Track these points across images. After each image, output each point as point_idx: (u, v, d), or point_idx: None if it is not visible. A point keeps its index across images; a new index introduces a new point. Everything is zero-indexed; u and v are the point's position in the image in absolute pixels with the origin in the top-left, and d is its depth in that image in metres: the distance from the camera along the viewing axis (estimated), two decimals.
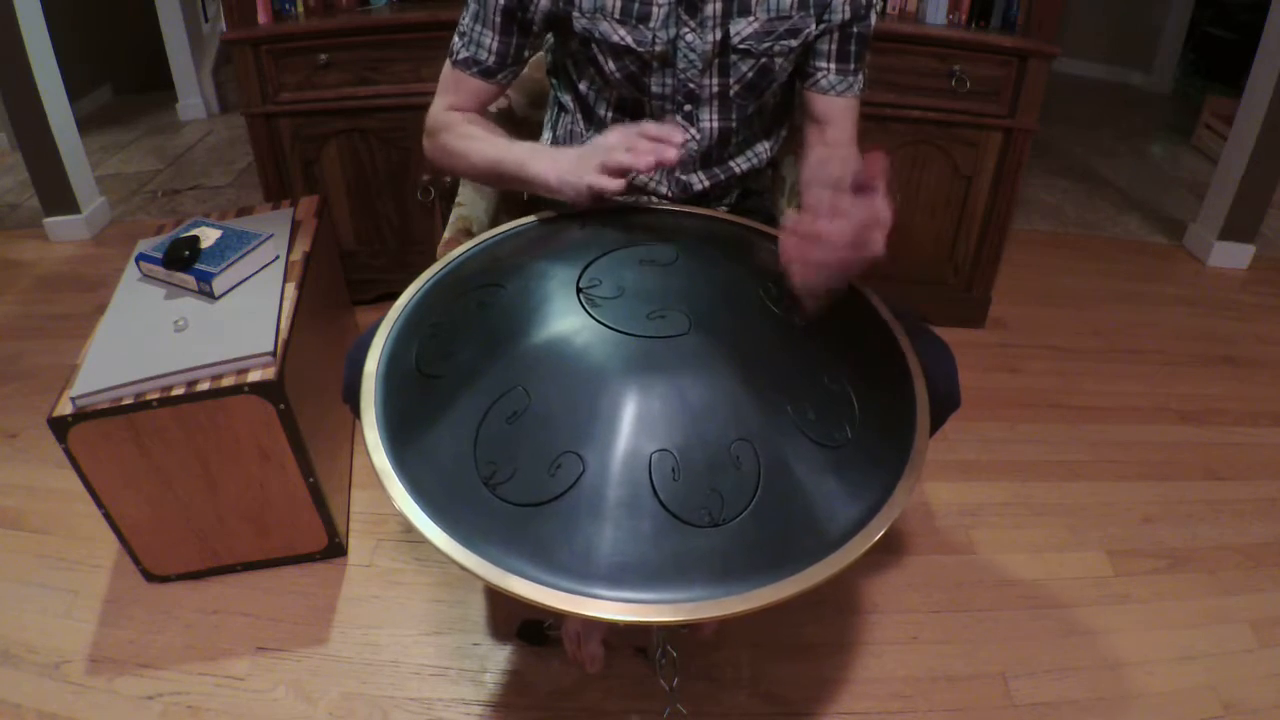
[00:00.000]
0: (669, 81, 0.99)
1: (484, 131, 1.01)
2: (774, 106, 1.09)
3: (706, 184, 1.08)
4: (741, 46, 0.97)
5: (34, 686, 1.22)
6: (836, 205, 0.70)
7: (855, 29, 1.00)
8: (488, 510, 0.64)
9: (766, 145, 1.11)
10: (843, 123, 1.05)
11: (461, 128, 1.01)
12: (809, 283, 0.72)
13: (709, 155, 1.06)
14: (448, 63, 1.03)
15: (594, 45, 0.97)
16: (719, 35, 0.96)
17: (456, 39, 1.01)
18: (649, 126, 0.85)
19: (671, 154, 0.81)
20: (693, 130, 1.03)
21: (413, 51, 1.81)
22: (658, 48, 0.96)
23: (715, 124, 1.03)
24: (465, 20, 1.00)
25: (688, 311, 0.74)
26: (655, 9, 0.94)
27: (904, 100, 1.83)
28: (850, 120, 1.05)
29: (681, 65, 0.98)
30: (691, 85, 0.99)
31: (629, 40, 0.95)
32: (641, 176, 1.07)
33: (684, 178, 1.07)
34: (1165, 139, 3.54)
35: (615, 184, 0.85)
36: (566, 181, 0.87)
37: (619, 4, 0.94)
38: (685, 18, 0.95)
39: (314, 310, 1.49)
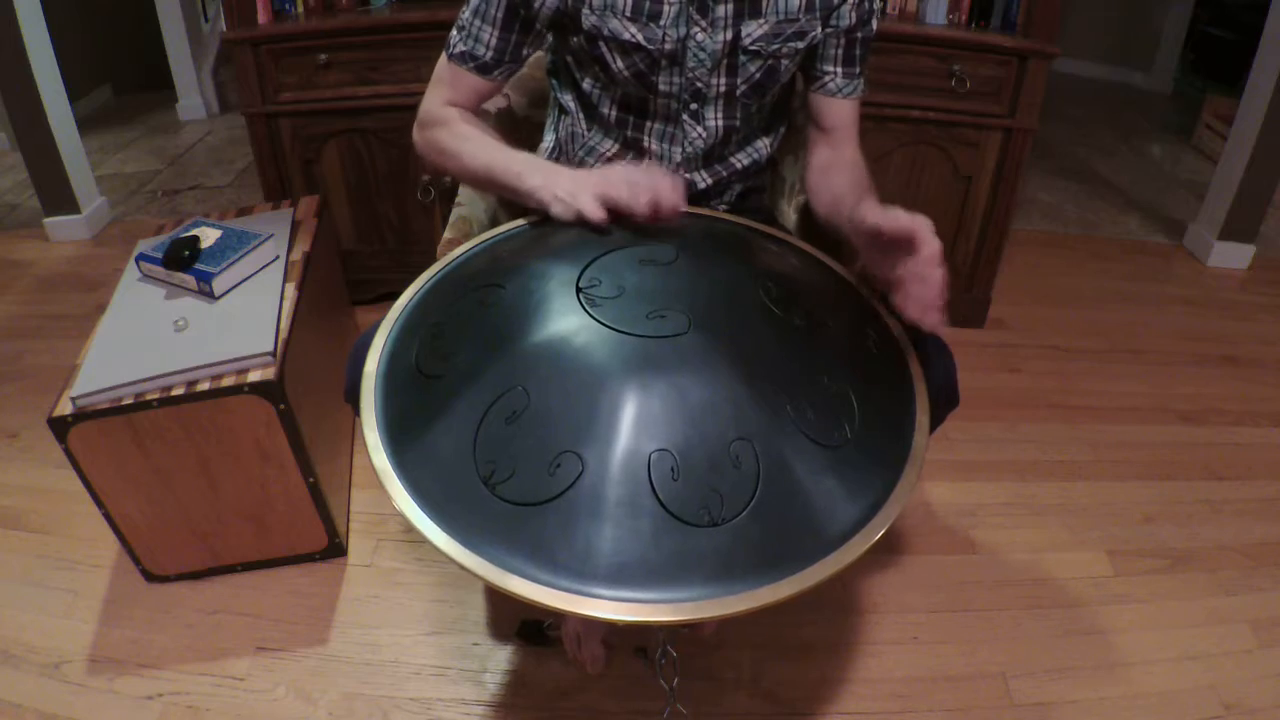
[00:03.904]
0: (676, 80, 0.99)
1: (479, 133, 1.00)
2: (773, 104, 1.09)
3: (709, 181, 1.08)
4: (751, 48, 0.97)
5: (34, 686, 1.22)
6: (918, 270, 0.77)
7: (860, 34, 1.02)
8: (487, 510, 0.64)
9: (766, 141, 1.11)
10: (846, 124, 1.07)
11: (457, 126, 1.00)
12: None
13: (711, 153, 1.06)
14: (443, 56, 1.02)
15: (602, 43, 0.97)
16: (729, 36, 0.96)
17: (454, 32, 1.00)
18: (656, 171, 0.86)
19: (670, 202, 0.84)
20: (699, 129, 1.03)
21: (413, 51, 1.81)
22: (667, 46, 0.96)
23: (720, 122, 1.03)
24: (465, 14, 0.99)
25: (687, 311, 0.74)
26: (666, 7, 0.94)
27: (904, 100, 1.83)
28: (853, 121, 1.08)
29: (691, 64, 0.98)
30: (699, 84, 1.00)
31: (640, 38, 0.95)
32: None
33: (687, 175, 1.07)
34: (1165, 139, 3.54)
35: (601, 215, 0.84)
36: (560, 200, 0.87)
37: (629, 2, 0.94)
38: (696, 17, 0.95)
39: (314, 310, 1.49)
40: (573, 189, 0.86)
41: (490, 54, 0.99)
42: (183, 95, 3.50)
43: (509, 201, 1.24)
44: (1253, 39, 2.32)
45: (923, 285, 0.77)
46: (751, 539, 0.63)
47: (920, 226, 0.77)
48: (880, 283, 0.84)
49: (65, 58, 2.36)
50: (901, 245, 0.78)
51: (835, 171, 1.05)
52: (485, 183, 0.99)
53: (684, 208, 0.86)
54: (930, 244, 0.76)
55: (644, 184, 0.84)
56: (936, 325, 0.77)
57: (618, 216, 0.85)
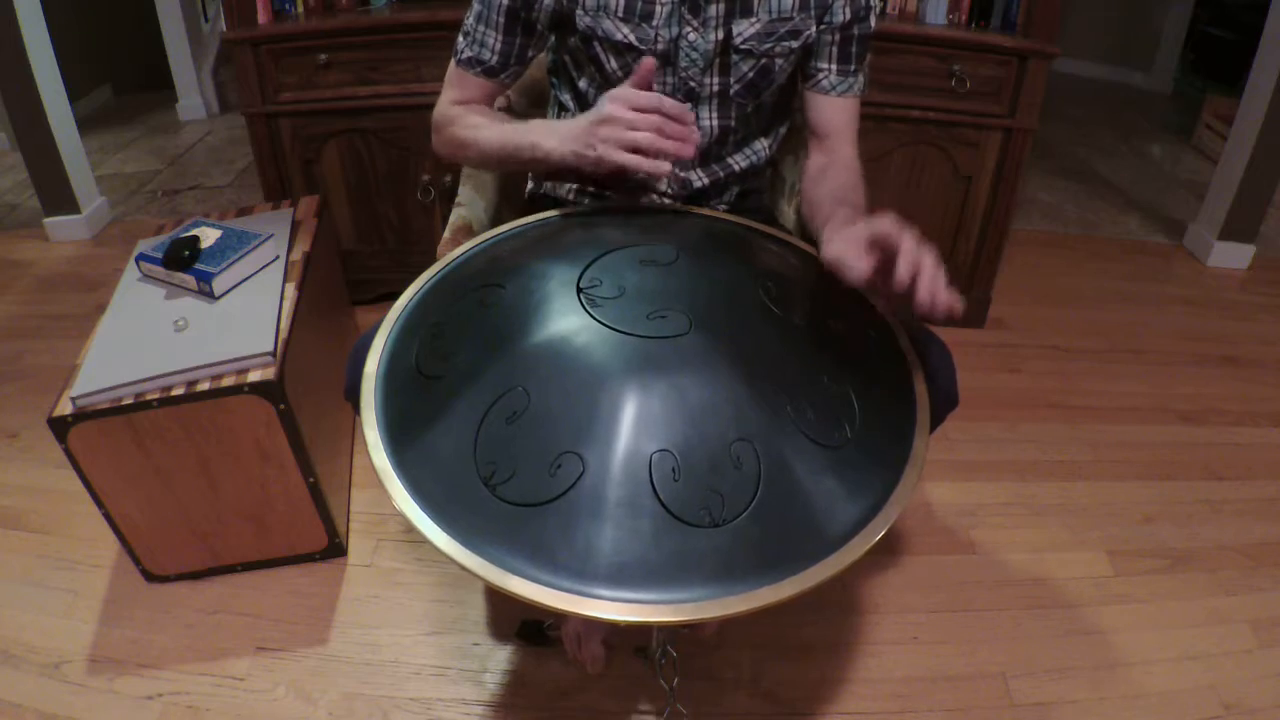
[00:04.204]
0: (670, 80, 1.00)
1: (488, 120, 1.02)
2: (772, 106, 1.09)
3: (706, 181, 1.08)
4: (743, 47, 0.97)
5: (34, 686, 1.22)
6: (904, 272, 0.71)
7: (856, 30, 1.01)
8: (488, 510, 0.64)
9: (765, 143, 1.11)
10: (843, 125, 1.05)
11: (467, 118, 1.02)
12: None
13: (708, 153, 1.07)
14: (452, 61, 1.04)
15: (596, 43, 0.97)
16: (721, 35, 0.96)
17: (461, 38, 1.02)
18: (664, 101, 0.84)
19: (689, 150, 0.84)
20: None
21: (413, 51, 1.81)
22: (660, 46, 0.96)
23: (715, 122, 1.03)
24: (469, 20, 1.01)
25: (688, 311, 0.74)
26: (658, 7, 0.94)
27: (904, 100, 1.83)
28: (850, 121, 1.06)
29: (683, 64, 0.98)
30: (692, 84, 1.00)
31: (632, 38, 0.95)
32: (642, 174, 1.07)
33: (683, 174, 1.07)
34: (1165, 139, 3.54)
35: (629, 159, 0.84)
36: (580, 154, 0.88)
37: (622, 2, 0.94)
38: (688, 17, 0.95)
39: (314, 310, 1.49)
40: (585, 137, 0.87)
41: (496, 58, 1.01)
42: (183, 95, 3.50)
43: (510, 200, 1.25)
44: (1253, 39, 2.32)
45: (920, 278, 0.71)
46: (752, 539, 0.63)
47: (884, 231, 0.73)
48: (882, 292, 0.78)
49: (65, 58, 2.36)
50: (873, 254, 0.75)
51: (828, 175, 1.04)
52: (505, 161, 1.00)
53: (695, 143, 0.85)
54: (905, 242, 0.72)
55: (651, 119, 0.83)
56: (950, 307, 0.70)
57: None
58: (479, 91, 1.04)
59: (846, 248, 0.76)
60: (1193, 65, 4.10)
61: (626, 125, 0.84)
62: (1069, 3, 2.18)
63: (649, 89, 0.87)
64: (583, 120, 0.89)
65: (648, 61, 0.86)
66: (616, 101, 0.85)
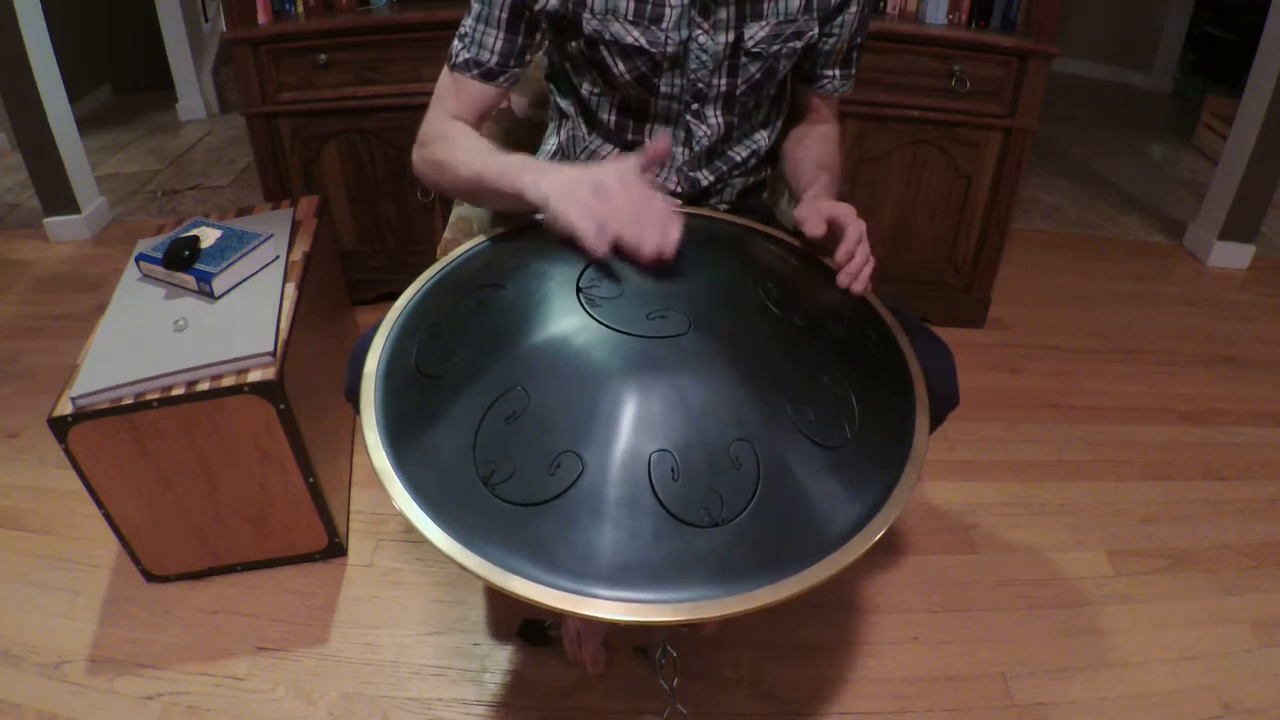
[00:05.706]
0: (678, 82, 1.00)
1: (474, 143, 0.95)
2: (770, 98, 1.11)
3: (711, 178, 1.09)
4: (754, 49, 0.98)
5: (34, 686, 1.22)
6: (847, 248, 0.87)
7: (859, 39, 1.07)
8: (487, 510, 0.64)
9: (764, 134, 1.12)
10: (829, 109, 1.15)
11: (454, 138, 0.96)
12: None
13: (713, 149, 1.07)
14: (445, 70, 1.00)
15: (603, 47, 0.97)
16: (731, 38, 0.97)
17: (456, 43, 0.99)
18: (651, 197, 0.80)
19: (669, 249, 0.78)
20: (702, 127, 1.04)
21: (413, 51, 1.81)
22: (670, 49, 0.96)
23: (720, 119, 1.04)
24: (467, 22, 0.98)
25: (687, 311, 0.74)
26: (668, 10, 0.94)
27: (904, 100, 1.83)
28: (836, 105, 1.16)
29: (693, 66, 0.98)
30: (700, 85, 1.00)
31: (642, 41, 0.95)
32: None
33: (692, 174, 1.08)
34: (1165, 139, 3.54)
35: (603, 251, 0.77)
36: (554, 211, 0.79)
37: (632, 6, 0.94)
38: (698, 19, 0.95)
39: (314, 310, 1.49)
40: (566, 193, 0.79)
41: (495, 59, 0.97)
42: (183, 95, 3.50)
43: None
44: (1253, 39, 2.32)
45: (849, 260, 0.87)
46: (752, 539, 0.63)
47: (841, 214, 0.87)
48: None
49: (65, 58, 2.36)
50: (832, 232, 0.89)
51: (811, 141, 1.11)
52: (477, 191, 0.93)
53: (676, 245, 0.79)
54: (851, 229, 0.86)
55: (646, 228, 0.77)
56: (859, 289, 0.87)
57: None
58: (474, 100, 0.99)
59: (811, 213, 0.89)
60: (1193, 65, 4.11)
61: (614, 208, 0.78)
62: (1069, 3, 2.18)
63: (662, 158, 0.84)
64: (571, 176, 0.81)
65: (664, 142, 0.82)
66: (609, 173, 0.80)
